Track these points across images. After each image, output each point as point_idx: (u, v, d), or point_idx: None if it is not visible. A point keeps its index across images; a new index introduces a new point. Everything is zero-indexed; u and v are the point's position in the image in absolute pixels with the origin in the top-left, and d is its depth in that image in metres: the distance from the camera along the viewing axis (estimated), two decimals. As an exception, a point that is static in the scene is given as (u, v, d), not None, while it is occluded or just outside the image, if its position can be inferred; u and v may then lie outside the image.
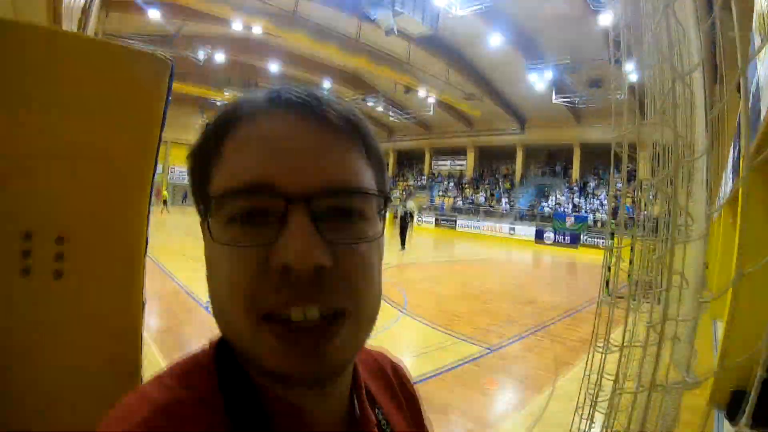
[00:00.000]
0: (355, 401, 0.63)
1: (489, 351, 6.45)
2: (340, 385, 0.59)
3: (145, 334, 5.21)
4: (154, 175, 1.36)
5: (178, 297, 8.18)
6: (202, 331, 6.36)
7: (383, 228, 0.56)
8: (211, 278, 0.53)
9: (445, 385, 5.11)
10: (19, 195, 1.21)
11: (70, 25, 3.53)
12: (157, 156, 1.36)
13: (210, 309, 0.55)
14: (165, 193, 36.79)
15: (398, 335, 7.01)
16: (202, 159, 0.55)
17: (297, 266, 0.45)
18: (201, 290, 8.56)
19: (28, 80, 1.19)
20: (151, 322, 6.67)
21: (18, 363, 1.21)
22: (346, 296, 0.50)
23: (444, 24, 19.97)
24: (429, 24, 18.72)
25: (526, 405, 4.80)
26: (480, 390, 5.07)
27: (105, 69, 1.28)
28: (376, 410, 0.66)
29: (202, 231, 0.55)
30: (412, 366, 5.66)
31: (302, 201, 0.48)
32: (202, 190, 0.54)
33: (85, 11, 3.64)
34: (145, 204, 1.34)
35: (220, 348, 0.56)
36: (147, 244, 1.36)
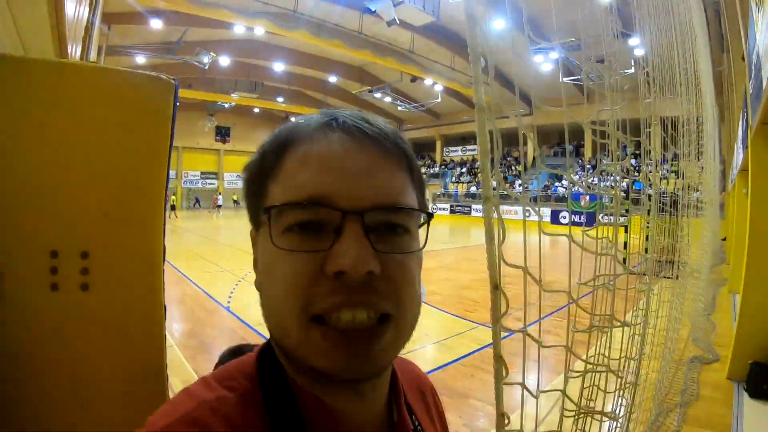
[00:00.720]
0: (393, 406, 0.67)
1: (508, 335, 6.49)
2: (377, 387, 0.63)
3: (169, 338, 5.33)
4: (167, 186, 1.47)
5: (197, 300, 8.33)
6: (222, 331, 6.51)
7: (425, 242, 0.63)
8: (266, 281, 0.59)
9: (464, 371, 5.19)
10: (44, 216, 1.32)
11: (74, 46, 3.63)
12: (168, 168, 1.47)
13: (262, 313, 0.60)
14: (173, 198, 37.22)
15: (417, 324, 7.07)
16: (260, 173, 0.61)
17: (351, 271, 0.51)
18: (220, 293, 8.73)
19: (43, 111, 1.30)
20: (174, 325, 6.85)
21: (53, 372, 1.32)
22: (390, 302, 0.54)
23: (445, 11, 19.85)
24: (430, 12, 18.61)
25: (546, 387, 4.82)
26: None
27: (115, 94, 1.39)
28: (413, 417, 0.71)
29: (255, 238, 0.64)
30: (430, 355, 5.78)
31: (356, 215, 0.53)
32: (258, 202, 0.61)
33: (88, 30, 3.73)
34: (161, 214, 1.45)
35: (262, 355, 0.62)
36: (165, 251, 1.47)
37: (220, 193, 42.26)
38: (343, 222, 0.53)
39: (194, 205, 44.55)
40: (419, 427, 0.71)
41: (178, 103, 1.47)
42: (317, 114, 0.62)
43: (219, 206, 39.45)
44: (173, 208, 35.06)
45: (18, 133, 1.29)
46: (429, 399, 0.83)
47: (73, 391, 1.34)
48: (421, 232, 0.63)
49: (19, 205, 1.29)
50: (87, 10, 3.89)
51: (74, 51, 3.64)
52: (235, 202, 42.33)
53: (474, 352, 5.80)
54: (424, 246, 0.63)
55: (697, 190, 5.57)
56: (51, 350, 1.32)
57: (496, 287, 0.74)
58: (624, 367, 1.94)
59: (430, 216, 0.64)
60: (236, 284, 9.61)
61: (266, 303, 0.59)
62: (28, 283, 1.29)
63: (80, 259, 1.34)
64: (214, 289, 9.01)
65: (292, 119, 0.69)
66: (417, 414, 0.73)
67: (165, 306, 1.43)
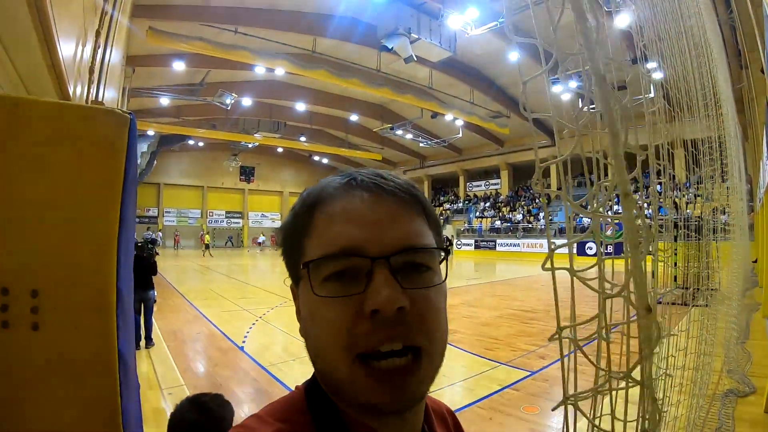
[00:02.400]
0: (427, 429, 0.74)
1: (529, 374, 6.25)
2: (417, 412, 0.70)
3: (179, 377, 5.29)
4: (122, 226, 1.41)
5: (212, 339, 8.27)
6: (235, 372, 6.40)
7: (446, 276, 0.68)
8: (311, 327, 0.65)
9: (482, 413, 4.95)
10: (-5, 254, 1.28)
11: (82, 87, 3.69)
12: (124, 205, 1.42)
13: (309, 354, 0.67)
14: (207, 237, 38.02)
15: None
16: (294, 232, 0.69)
17: (385, 308, 0.58)
18: (236, 332, 8.68)
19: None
20: (185, 364, 6.78)
21: (2, 412, 1.26)
22: (421, 334, 0.61)
23: (461, 45, 20.03)
24: (447, 47, 18.79)
25: (569, 429, 4.60)
26: (519, 416, 4.85)
27: (64, 129, 1.36)
28: None
29: (296, 291, 0.71)
30: (447, 397, 5.55)
31: (384, 259, 0.61)
32: (295, 258, 0.68)
33: (92, 71, 3.78)
34: (113, 255, 1.39)
35: (310, 389, 0.69)
36: (119, 293, 1.41)
37: (262, 234, 44.69)
38: (372, 267, 0.61)
39: (226, 244, 45.17)
40: None
41: (135, 137, 1.43)
42: (337, 175, 0.70)
43: (260, 243, 42.01)
44: (207, 247, 36.41)
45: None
46: (449, 420, 0.88)
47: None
48: (442, 266, 0.69)
49: (-30, 242, 1.26)
50: (90, 51, 3.95)
51: (80, 91, 3.70)
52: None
53: (493, 393, 5.56)
54: (445, 279, 0.68)
55: (725, 213, 5.41)
56: (1, 390, 1.27)
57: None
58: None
59: (447, 252, 0.71)
60: (253, 324, 9.55)
61: (314, 346, 0.65)
62: (-23, 322, 1.25)
63: (30, 297, 1.29)
64: (230, 329, 8.95)
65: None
66: None
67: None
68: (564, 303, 0.93)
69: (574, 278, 0.87)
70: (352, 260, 0.61)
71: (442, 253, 0.69)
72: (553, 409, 0.81)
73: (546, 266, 0.88)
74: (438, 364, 0.65)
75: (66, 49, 2.88)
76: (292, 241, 0.69)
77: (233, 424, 0.69)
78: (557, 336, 0.87)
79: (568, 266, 0.88)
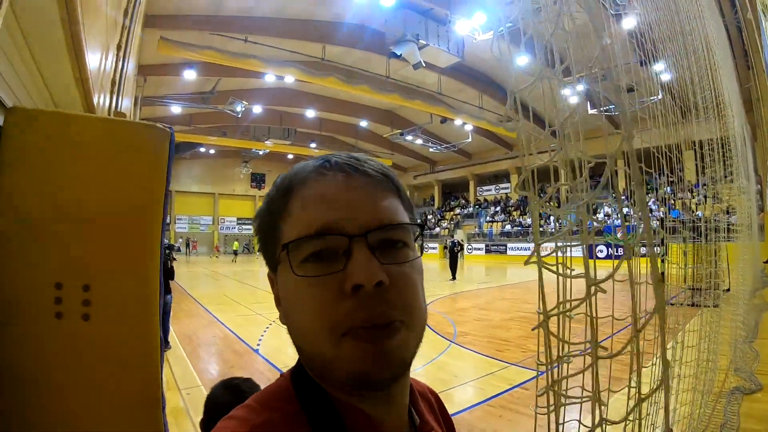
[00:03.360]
0: (414, 413, 0.76)
1: (539, 374, 6.32)
2: (404, 392, 0.72)
3: (196, 378, 5.42)
4: (163, 226, 1.57)
5: (227, 342, 8.38)
6: (251, 374, 6.48)
7: (421, 253, 0.72)
8: (292, 310, 0.67)
9: (492, 411, 5.03)
10: (51, 252, 1.43)
11: (103, 97, 3.85)
12: (165, 211, 1.58)
13: (291, 339, 0.70)
14: (236, 243, 39.00)
15: (446, 365, 6.96)
16: (271, 218, 0.70)
17: (365, 283, 0.59)
18: (250, 335, 8.80)
19: (51, 157, 1.44)
20: (201, 366, 6.94)
21: (54, 396, 1.41)
22: (400, 309, 0.63)
23: (469, 51, 20.14)
24: (455, 52, 18.91)
25: (578, 424, 4.67)
26: (528, 414, 4.89)
27: (115, 142, 1.53)
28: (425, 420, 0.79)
29: (274, 278, 0.72)
30: (459, 395, 5.66)
31: (361, 237, 0.62)
32: (273, 243, 0.69)
33: (115, 82, 3.95)
34: (157, 253, 1.55)
35: (295, 376, 0.71)
36: (161, 288, 1.57)
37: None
38: (351, 245, 0.62)
39: (243, 250, 45.45)
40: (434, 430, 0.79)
41: (174, 148, 1.60)
42: (311, 160, 0.72)
43: None
44: (236, 253, 37.59)
45: (29, 178, 1.42)
46: (432, 400, 0.90)
47: (72, 414, 1.42)
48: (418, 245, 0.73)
49: (29, 241, 1.41)
50: (113, 62, 4.13)
51: (103, 101, 3.86)
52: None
53: (504, 392, 5.63)
54: (421, 254, 0.72)
55: (728, 213, 5.46)
56: (54, 375, 1.41)
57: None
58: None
59: (421, 227, 0.74)
60: (267, 327, 9.68)
61: (296, 328, 0.67)
62: (35, 311, 1.40)
63: (82, 291, 1.44)
64: (244, 332, 9.07)
65: None
66: (427, 417, 0.80)
67: (163, 340, 1.52)
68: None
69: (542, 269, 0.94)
70: (329, 239, 0.62)
71: (417, 230, 0.72)
72: (538, 395, 0.87)
73: (529, 261, 0.95)
74: (419, 335, 0.67)
75: (92, 62, 3.05)
76: (269, 226, 0.71)
77: None
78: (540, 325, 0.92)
79: (557, 264, 0.96)
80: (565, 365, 1.03)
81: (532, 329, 0.90)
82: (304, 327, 0.64)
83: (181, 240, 42.07)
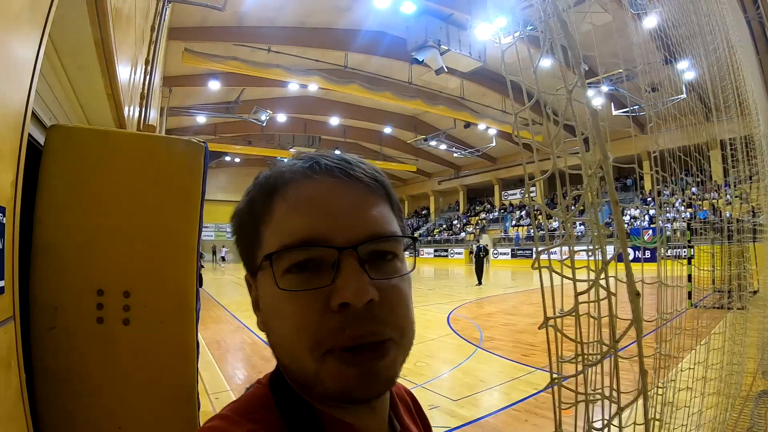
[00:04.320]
0: (394, 419, 0.73)
1: (564, 379, 6.29)
2: (384, 401, 0.69)
3: (225, 384, 5.51)
4: (199, 237, 1.66)
5: (255, 348, 8.47)
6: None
7: (414, 266, 0.67)
8: (274, 321, 0.62)
9: (517, 416, 5.02)
10: (93, 261, 1.53)
11: (132, 110, 3.98)
12: (200, 221, 1.66)
13: (271, 349, 0.66)
14: None
15: (473, 370, 6.95)
16: (252, 220, 0.65)
17: (354, 302, 0.55)
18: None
19: (91, 172, 1.53)
20: (230, 372, 7.06)
21: (95, 396, 1.50)
22: (390, 327, 0.59)
23: (491, 55, 20.08)
24: (477, 57, 18.89)
25: (604, 429, 4.62)
26: (553, 418, 4.91)
27: (150, 157, 1.62)
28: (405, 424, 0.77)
29: (252, 282, 0.68)
30: (485, 400, 5.66)
31: (351, 249, 0.58)
32: (252, 248, 0.65)
33: (144, 96, 4.08)
34: (193, 262, 1.63)
35: (274, 383, 0.66)
36: (198, 295, 1.65)
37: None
38: (340, 257, 0.58)
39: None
40: None
41: (208, 162, 1.68)
42: (298, 158, 0.67)
43: None
44: None
45: (70, 191, 1.51)
46: (409, 401, 0.88)
47: (112, 414, 1.51)
48: (411, 261, 0.69)
49: (72, 250, 1.50)
50: (142, 76, 4.26)
51: (132, 114, 3.99)
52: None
53: (529, 397, 5.60)
54: (412, 270, 0.67)
55: (754, 214, 5.38)
56: (95, 376, 1.50)
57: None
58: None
59: (414, 239, 0.69)
60: (294, 333, 9.75)
61: (277, 341, 0.63)
62: (78, 316, 1.49)
63: (123, 297, 1.53)
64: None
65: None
66: (406, 422, 0.78)
67: (198, 343, 1.58)
68: (602, 306, 1.03)
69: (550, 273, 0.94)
70: (316, 250, 0.58)
71: (408, 241, 0.67)
72: (542, 390, 0.88)
73: (535, 266, 0.94)
74: (406, 351, 0.63)
75: (123, 77, 3.17)
76: (249, 229, 0.66)
77: None
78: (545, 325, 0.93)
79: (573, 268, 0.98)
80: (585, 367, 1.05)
81: (539, 327, 0.92)
82: (286, 341, 0.61)
83: (225, 249, 43.18)
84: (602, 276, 0.85)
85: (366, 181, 0.64)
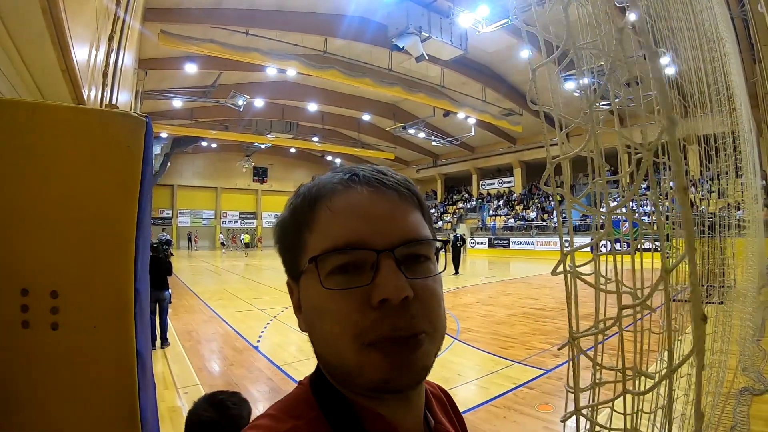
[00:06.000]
0: (429, 415, 0.77)
1: (543, 373, 6.22)
2: (420, 395, 0.73)
3: (194, 376, 5.34)
4: (140, 223, 1.44)
5: (227, 339, 8.34)
6: (250, 371, 6.43)
7: (444, 268, 0.73)
8: (319, 320, 0.66)
9: (496, 412, 4.96)
10: (15, 255, 1.31)
11: (95, 90, 3.73)
12: (141, 207, 1.45)
13: (314, 347, 0.70)
14: (247, 237, 41.12)
15: (449, 363, 6.86)
16: (295, 227, 0.71)
17: (393, 298, 0.60)
18: (250, 332, 8.74)
19: (13, 151, 1.30)
20: (200, 364, 6.86)
21: (21, 410, 1.29)
22: (425, 320, 0.64)
23: (473, 44, 19.97)
24: (458, 45, 18.75)
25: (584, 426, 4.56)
26: (533, 415, 4.84)
27: (82, 133, 1.39)
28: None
29: (294, 286, 0.73)
30: (463, 395, 5.59)
31: (389, 251, 0.63)
32: (296, 253, 0.70)
33: (106, 74, 3.83)
34: (131, 256, 1.42)
35: (315, 383, 0.71)
36: (137, 293, 1.44)
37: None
38: (378, 259, 0.63)
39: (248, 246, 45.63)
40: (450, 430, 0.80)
41: (152, 140, 1.46)
42: (337, 171, 0.72)
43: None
44: (247, 246, 40.44)
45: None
46: (444, 400, 0.90)
47: (39, 430, 1.31)
48: (440, 259, 0.73)
49: (-8, 243, 1.29)
50: (104, 55, 4.00)
51: (94, 94, 3.75)
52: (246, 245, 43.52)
53: (507, 392, 5.54)
54: (443, 270, 0.73)
55: (738, 208, 5.35)
56: (20, 388, 1.29)
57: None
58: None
59: (444, 243, 0.76)
60: (267, 324, 9.60)
61: (321, 337, 0.67)
62: (1, 320, 1.29)
63: (50, 298, 1.32)
64: (244, 328, 9.01)
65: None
66: (441, 418, 0.81)
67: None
68: (580, 299, 0.94)
69: (577, 280, 0.85)
70: (357, 253, 0.63)
71: (439, 245, 0.73)
72: (562, 420, 0.78)
73: (558, 270, 0.87)
74: (439, 345, 0.68)
75: (80, 53, 2.93)
76: (293, 235, 0.71)
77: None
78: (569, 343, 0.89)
79: (580, 267, 0.88)
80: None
81: (559, 348, 0.77)
82: (330, 336, 0.65)
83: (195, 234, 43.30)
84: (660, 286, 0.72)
85: (400, 190, 0.71)
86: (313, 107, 31.25)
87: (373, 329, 0.61)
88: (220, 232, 45.08)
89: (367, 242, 0.64)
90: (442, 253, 0.74)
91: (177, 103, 26.75)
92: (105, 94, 4.03)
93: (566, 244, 0.89)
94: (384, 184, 0.69)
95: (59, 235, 1.34)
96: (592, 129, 0.85)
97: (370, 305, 0.61)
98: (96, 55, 3.71)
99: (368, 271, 0.63)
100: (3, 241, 1.30)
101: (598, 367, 0.83)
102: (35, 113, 1.35)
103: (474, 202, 43.15)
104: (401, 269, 0.63)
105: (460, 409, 0.93)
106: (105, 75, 3.96)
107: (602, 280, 0.89)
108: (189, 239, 43.50)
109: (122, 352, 1.39)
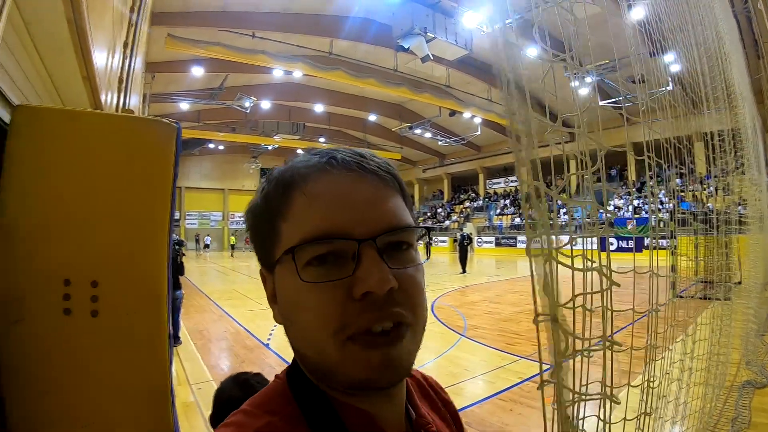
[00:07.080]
0: (410, 406, 0.75)
1: (549, 367, 6.30)
2: (401, 389, 0.71)
3: (207, 373, 5.45)
4: (170, 224, 1.58)
5: (238, 337, 8.44)
6: (261, 368, 6.52)
7: (428, 253, 0.72)
8: (295, 313, 0.63)
9: (503, 405, 5.04)
10: (59, 247, 1.44)
11: (111, 95, 3.86)
12: (172, 206, 1.58)
13: (290, 341, 0.68)
14: (233, 238, 40.87)
15: (457, 359, 6.96)
16: (268, 215, 0.66)
17: (377, 290, 0.58)
18: (261, 330, 8.83)
19: (56, 155, 1.44)
20: (212, 362, 7.00)
21: (62, 392, 1.42)
22: (408, 310, 0.62)
23: (478, 43, 20.00)
24: (463, 45, 18.79)
25: (588, 418, 4.62)
26: (538, 408, 4.83)
27: (120, 138, 1.53)
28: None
29: (269, 275, 0.69)
30: (470, 389, 5.68)
31: (370, 241, 0.60)
32: (270, 242, 0.66)
33: (123, 80, 3.96)
34: (165, 249, 1.55)
35: (291, 377, 0.69)
36: (169, 283, 1.57)
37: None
38: (360, 249, 0.60)
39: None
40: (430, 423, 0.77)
41: (180, 144, 1.60)
42: (313, 154, 0.68)
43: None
44: (233, 247, 40.70)
45: (36, 175, 1.42)
46: (431, 392, 0.89)
47: (79, 411, 1.43)
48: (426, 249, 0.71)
49: (37, 238, 1.42)
50: (120, 60, 4.14)
51: (110, 99, 3.88)
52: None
53: (514, 386, 5.62)
54: (427, 259, 0.71)
55: (740, 205, 5.40)
56: (62, 372, 1.42)
57: (555, 320, 0.83)
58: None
59: (428, 230, 0.73)
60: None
61: (298, 332, 0.65)
62: (44, 308, 1.41)
63: (91, 287, 1.45)
64: (254, 327, 9.11)
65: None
66: (422, 410, 0.79)
67: (173, 335, 1.53)
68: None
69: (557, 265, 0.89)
70: (337, 243, 0.60)
71: (421, 231, 0.69)
72: (538, 389, 0.85)
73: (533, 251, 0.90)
74: (420, 338, 0.66)
75: (99, 60, 3.06)
76: (266, 224, 0.67)
77: None
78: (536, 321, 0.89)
79: (570, 258, 0.94)
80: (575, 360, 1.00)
81: (533, 321, 0.87)
82: (308, 331, 0.62)
83: (209, 237, 43.70)
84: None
85: (380, 174, 0.67)
86: (319, 108, 31.37)
87: (355, 323, 0.58)
88: (231, 234, 45.33)
89: (347, 231, 0.60)
90: (432, 246, 0.71)
91: (184, 105, 26.98)
92: (120, 98, 4.17)
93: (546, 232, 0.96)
94: (364, 167, 0.65)
95: (100, 230, 1.48)
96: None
97: (351, 298, 0.59)
98: (113, 62, 3.84)
99: (349, 262, 0.60)
100: (48, 235, 1.43)
101: (571, 337, 0.90)
102: (77, 121, 1.50)
103: (481, 202, 43.06)
104: (384, 259, 0.61)
105: (468, 403, 0.94)
106: (120, 80, 4.09)
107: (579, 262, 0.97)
108: (197, 240, 43.71)
109: (156, 337, 1.53)
